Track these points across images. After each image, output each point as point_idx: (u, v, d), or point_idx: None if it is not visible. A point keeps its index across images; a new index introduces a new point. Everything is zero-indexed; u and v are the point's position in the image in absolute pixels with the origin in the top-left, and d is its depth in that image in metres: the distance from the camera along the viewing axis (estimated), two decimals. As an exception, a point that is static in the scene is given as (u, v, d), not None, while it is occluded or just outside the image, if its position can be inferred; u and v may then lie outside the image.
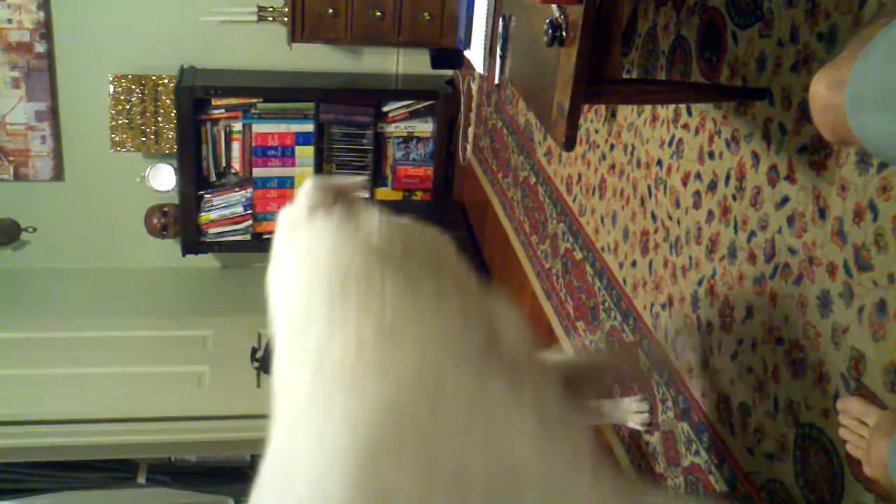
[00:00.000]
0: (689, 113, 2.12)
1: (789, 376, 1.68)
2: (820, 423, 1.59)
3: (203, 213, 4.66)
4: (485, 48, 2.43)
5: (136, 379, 4.42)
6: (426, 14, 4.20)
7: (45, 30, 4.42)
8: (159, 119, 4.62)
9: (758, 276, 1.81)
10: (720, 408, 1.94)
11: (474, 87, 4.33)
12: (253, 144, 4.55)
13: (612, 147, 2.61)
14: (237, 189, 4.66)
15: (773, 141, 1.75)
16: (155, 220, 4.80)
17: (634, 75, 2.37)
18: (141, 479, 5.22)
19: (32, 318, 4.66)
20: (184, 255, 4.72)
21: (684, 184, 2.13)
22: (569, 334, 2.88)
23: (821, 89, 1.10)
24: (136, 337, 4.70)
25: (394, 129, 4.68)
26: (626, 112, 2.51)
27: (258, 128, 4.53)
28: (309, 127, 4.56)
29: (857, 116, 1.01)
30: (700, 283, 2.05)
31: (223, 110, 4.48)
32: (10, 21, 4.38)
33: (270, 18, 4.47)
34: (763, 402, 1.77)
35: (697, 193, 2.06)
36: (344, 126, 4.61)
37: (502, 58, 2.18)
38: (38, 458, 4.83)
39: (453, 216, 4.47)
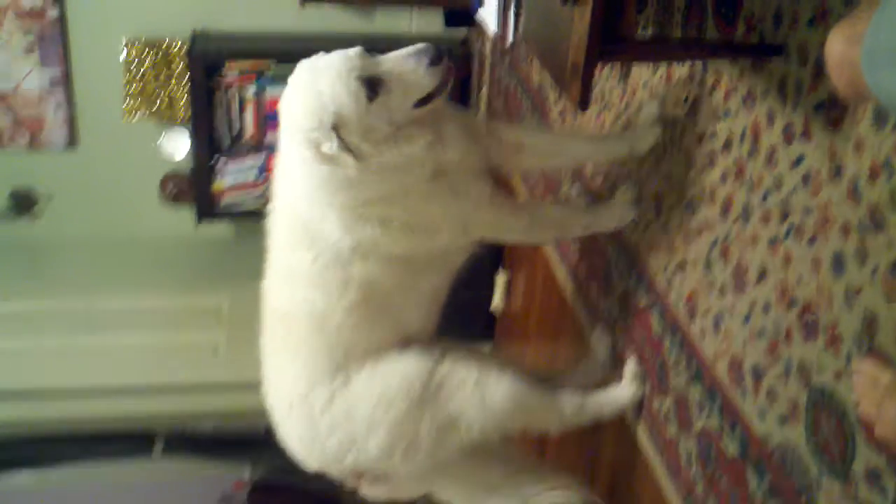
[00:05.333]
0: (705, 70, 2.08)
1: (802, 338, 1.66)
2: (832, 386, 1.57)
3: (217, 181, 4.64)
4: (499, 6, 2.40)
5: (152, 349, 4.44)
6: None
7: (57, -5, 4.40)
8: (172, 85, 4.60)
9: (772, 237, 1.78)
10: (732, 371, 1.92)
11: (487, 47, 4.29)
12: (266, 110, 4.53)
13: (626, 106, 2.57)
14: (251, 155, 4.64)
15: (789, 98, 1.72)
16: (169, 188, 4.79)
17: (649, 32, 2.33)
18: (157, 449, 5.25)
19: (47, 289, 4.67)
20: (198, 222, 4.71)
21: (699, 143, 2.10)
22: (580, 291, 2.87)
23: (837, 44, 1.09)
24: (152, 307, 4.71)
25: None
26: (640, 70, 2.47)
27: (272, 92, 4.49)
28: (323, 90, 4.51)
29: (873, 72, 1.00)
30: (714, 244, 2.02)
31: (237, 73, 4.44)
32: (22, -13, 4.36)
33: (283, -20, 4.43)
34: (775, 364, 1.76)
35: (712, 153, 2.03)
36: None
37: (516, 16, 2.15)
38: (54, 431, 4.86)
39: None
